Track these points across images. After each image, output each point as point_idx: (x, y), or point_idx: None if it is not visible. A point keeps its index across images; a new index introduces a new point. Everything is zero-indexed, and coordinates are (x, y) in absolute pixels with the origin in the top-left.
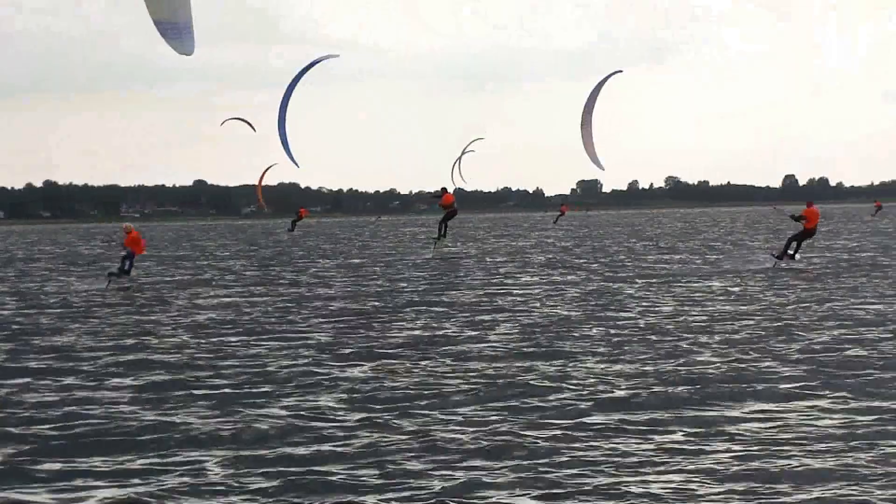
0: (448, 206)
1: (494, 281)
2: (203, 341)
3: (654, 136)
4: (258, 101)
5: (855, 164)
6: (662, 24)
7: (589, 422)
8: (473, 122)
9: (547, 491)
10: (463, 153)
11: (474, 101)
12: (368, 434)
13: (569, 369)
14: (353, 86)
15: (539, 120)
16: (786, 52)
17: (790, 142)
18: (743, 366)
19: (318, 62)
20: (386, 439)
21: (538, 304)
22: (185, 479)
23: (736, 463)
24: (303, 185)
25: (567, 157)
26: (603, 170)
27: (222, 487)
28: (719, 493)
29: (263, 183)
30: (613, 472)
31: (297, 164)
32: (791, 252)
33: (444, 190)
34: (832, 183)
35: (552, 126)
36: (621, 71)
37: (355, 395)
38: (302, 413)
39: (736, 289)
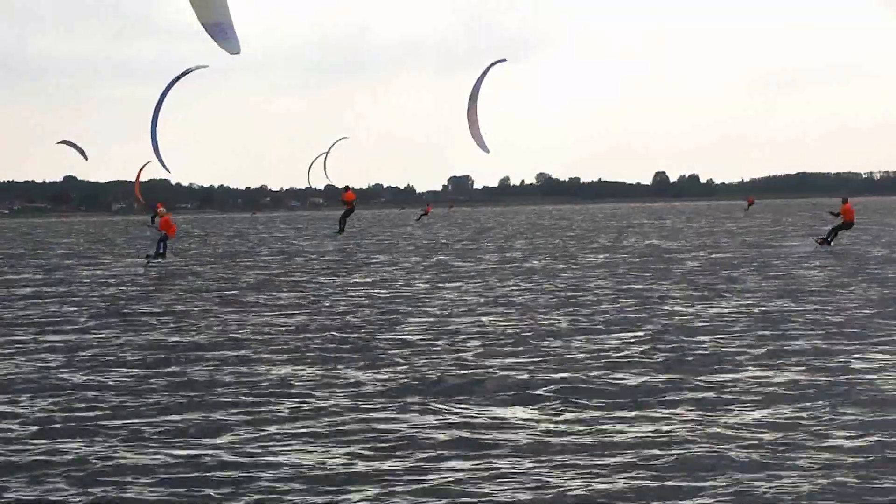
0: (349, 202)
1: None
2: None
3: (525, 133)
4: (127, 94)
5: (726, 160)
6: (532, 19)
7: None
8: (344, 117)
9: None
10: (327, 152)
11: (344, 97)
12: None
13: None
14: (223, 81)
15: (410, 116)
16: (654, 48)
17: (661, 138)
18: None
19: (188, 73)
20: None
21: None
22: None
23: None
24: (173, 182)
25: (439, 153)
26: (488, 152)
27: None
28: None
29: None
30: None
31: (168, 170)
32: (830, 240)
33: (346, 188)
34: (703, 180)
35: (423, 122)
36: (505, 60)
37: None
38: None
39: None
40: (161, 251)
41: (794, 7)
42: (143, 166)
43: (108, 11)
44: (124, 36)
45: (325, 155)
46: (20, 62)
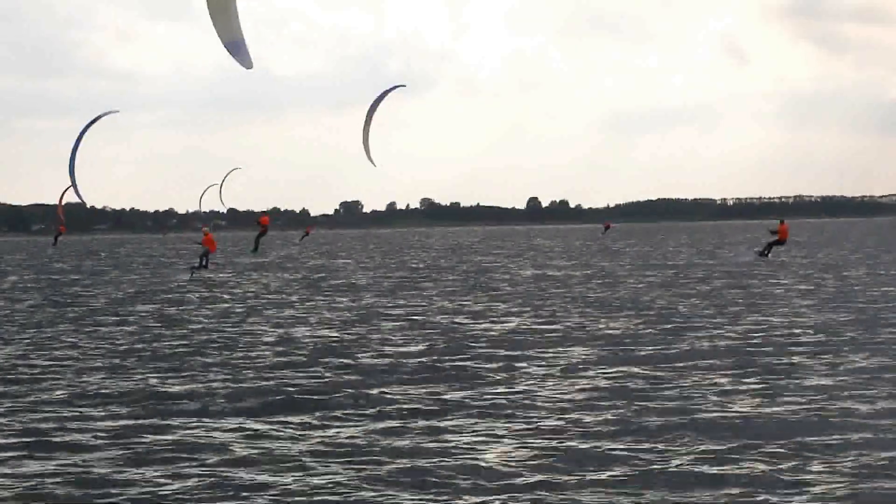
0: (264, 226)
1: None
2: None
3: (410, 160)
4: (47, 127)
5: (594, 187)
6: (415, 56)
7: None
8: (243, 145)
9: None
10: (222, 182)
11: (243, 127)
12: None
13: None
14: (134, 113)
15: (304, 145)
16: (529, 81)
17: (534, 166)
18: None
19: (101, 117)
20: None
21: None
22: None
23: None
24: (88, 205)
25: (331, 179)
26: (375, 167)
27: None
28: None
29: (55, 202)
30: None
31: (83, 201)
32: (766, 252)
33: (263, 213)
34: (572, 205)
35: (317, 151)
36: (405, 85)
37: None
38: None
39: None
40: (204, 264)
41: (649, 57)
42: (65, 190)
43: (27, 50)
44: (43, 74)
45: (220, 184)
46: None
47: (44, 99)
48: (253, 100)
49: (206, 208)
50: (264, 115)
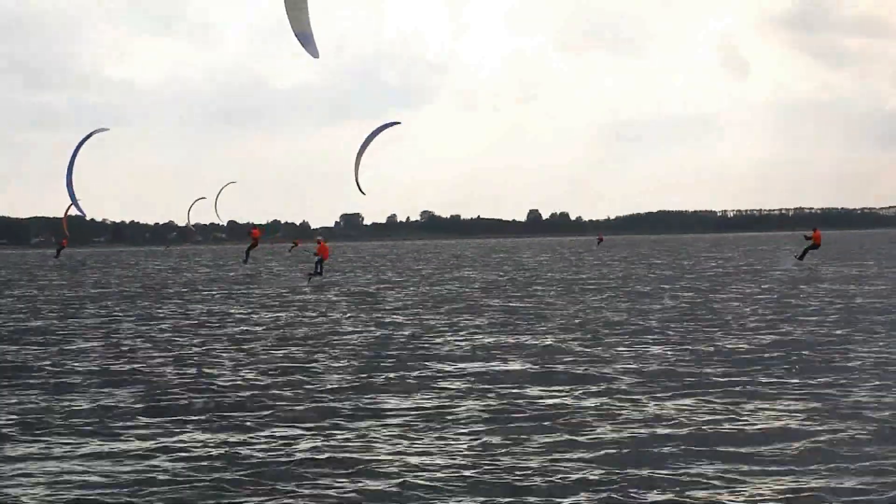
0: (255, 238)
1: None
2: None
3: (410, 173)
4: (43, 139)
5: (592, 199)
6: (412, 72)
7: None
8: (243, 157)
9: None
10: (217, 195)
11: (244, 139)
12: None
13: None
14: (131, 124)
15: (305, 157)
16: (526, 95)
17: (535, 179)
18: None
19: (93, 134)
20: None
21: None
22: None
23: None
24: (88, 218)
25: (332, 191)
26: (364, 194)
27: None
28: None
29: (57, 215)
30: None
31: (83, 214)
32: (803, 256)
33: (254, 225)
34: (572, 217)
35: (317, 163)
36: (399, 123)
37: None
38: None
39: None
40: (318, 271)
41: (650, 66)
42: (69, 207)
43: (25, 63)
44: (41, 86)
45: (215, 198)
46: None
47: (42, 111)
48: (253, 111)
49: (206, 221)
50: (264, 127)
